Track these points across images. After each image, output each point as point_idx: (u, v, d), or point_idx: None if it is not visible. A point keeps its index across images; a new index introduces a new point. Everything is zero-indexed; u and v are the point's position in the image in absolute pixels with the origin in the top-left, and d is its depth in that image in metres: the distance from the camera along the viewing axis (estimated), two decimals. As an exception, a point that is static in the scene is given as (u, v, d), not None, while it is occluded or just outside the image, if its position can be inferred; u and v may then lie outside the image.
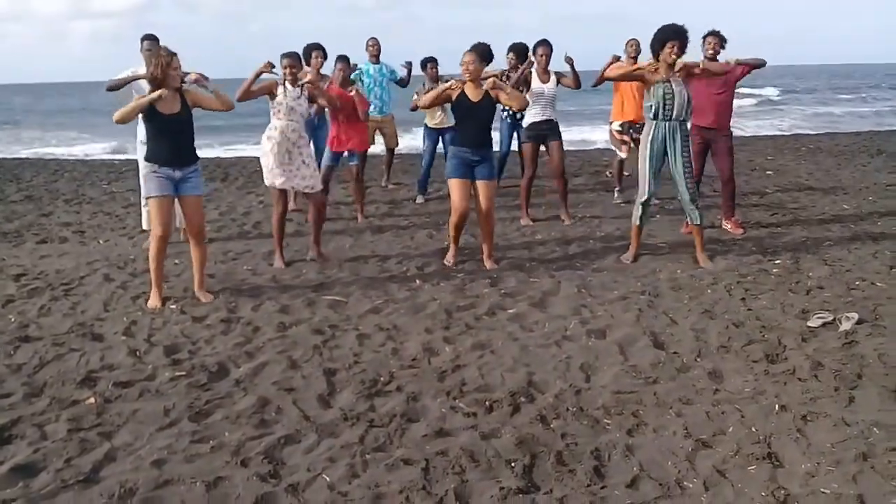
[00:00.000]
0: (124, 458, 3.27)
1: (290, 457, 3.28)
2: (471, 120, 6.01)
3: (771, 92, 41.20)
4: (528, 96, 7.42)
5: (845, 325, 4.63)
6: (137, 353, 4.47)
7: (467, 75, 5.94)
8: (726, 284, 5.60)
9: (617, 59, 7.63)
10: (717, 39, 6.91)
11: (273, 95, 6.10)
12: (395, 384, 4.00)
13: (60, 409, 3.73)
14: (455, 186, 6.08)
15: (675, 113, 5.92)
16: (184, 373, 4.16)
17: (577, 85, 7.72)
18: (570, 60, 7.56)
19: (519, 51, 8.24)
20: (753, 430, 3.42)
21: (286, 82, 6.16)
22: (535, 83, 7.57)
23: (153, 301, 5.32)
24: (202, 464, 3.22)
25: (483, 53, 6.04)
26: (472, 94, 5.96)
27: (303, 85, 6.22)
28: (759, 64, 6.98)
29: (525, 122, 7.81)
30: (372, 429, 3.51)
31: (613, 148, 9.04)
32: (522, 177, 8.04)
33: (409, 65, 9.37)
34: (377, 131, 9.52)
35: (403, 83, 9.50)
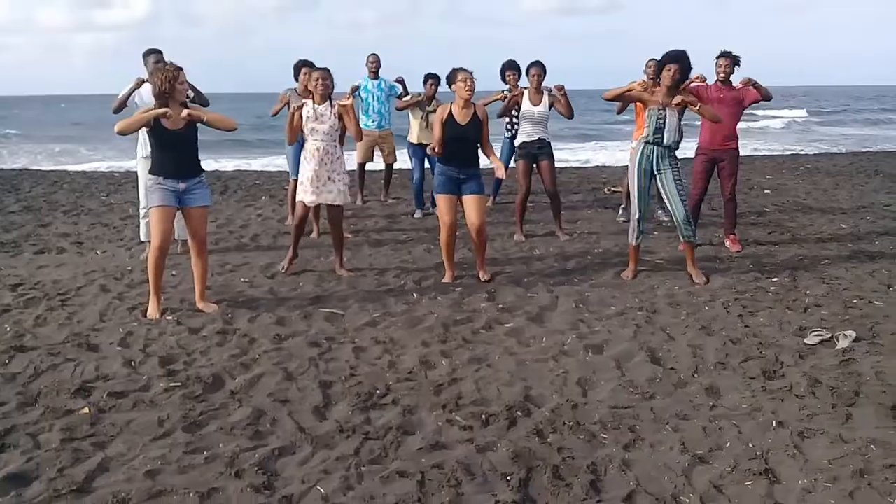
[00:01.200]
0: (118, 469, 3.24)
1: (285, 468, 3.26)
2: (458, 141, 5.99)
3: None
4: (520, 117, 7.56)
5: (843, 343, 4.63)
6: (132, 363, 4.45)
7: (468, 94, 5.94)
8: (724, 301, 5.60)
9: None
10: (728, 61, 7.00)
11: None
12: (391, 397, 3.99)
13: (54, 418, 3.70)
14: (441, 201, 6.10)
15: (664, 139, 5.99)
16: (179, 384, 4.14)
17: (570, 114, 7.76)
18: (560, 88, 7.56)
19: (517, 68, 8.37)
20: (750, 445, 3.40)
21: (312, 99, 6.16)
22: (526, 104, 7.64)
23: (152, 311, 5.30)
24: (196, 475, 3.20)
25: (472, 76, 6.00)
26: (460, 115, 5.99)
27: (332, 102, 6.20)
28: (768, 96, 7.04)
29: (517, 142, 7.88)
30: (367, 441, 3.49)
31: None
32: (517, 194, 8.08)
33: (401, 80, 9.46)
34: (376, 146, 9.56)
35: (401, 95, 9.56)
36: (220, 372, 4.31)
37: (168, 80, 5.02)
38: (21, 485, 3.11)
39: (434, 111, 8.14)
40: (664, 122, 5.95)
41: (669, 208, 6.16)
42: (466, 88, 5.93)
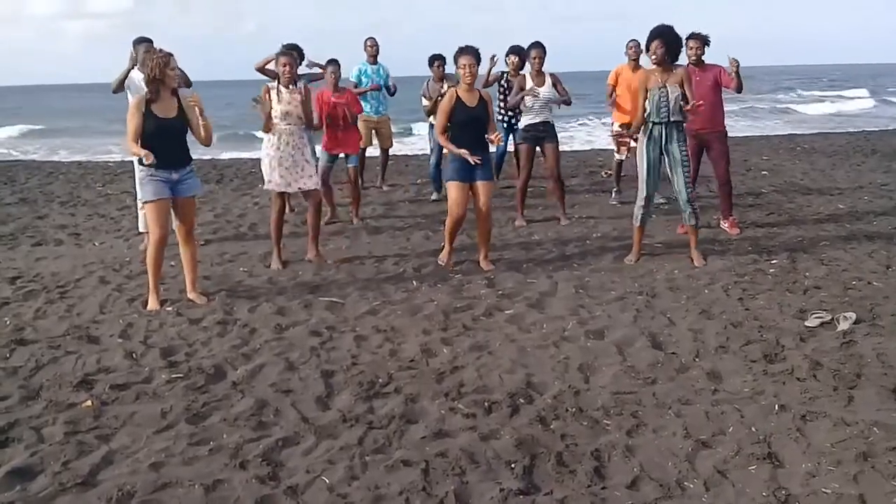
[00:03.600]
0: (122, 461, 3.25)
1: (289, 459, 3.27)
2: (469, 123, 5.97)
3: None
4: (524, 99, 7.48)
5: (843, 325, 4.64)
6: (134, 355, 4.44)
7: (469, 78, 5.91)
8: (724, 284, 5.60)
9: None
10: (698, 42, 6.94)
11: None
12: (394, 386, 3.99)
13: (57, 412, 3.71)
14: (454, 189, 6.05)
15: (670, 115, 5.95)
16: (181, 375, 4.14)
17: (568, 103, 7.87)
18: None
19: (518, 52, 8.34)
20: (753, 430, 3.41)
21: (279, 85, 6.13)
22: (529, 86, 7.56)
23: (152, 303, 5.30)
24: (200, 466, 3.20)
25: (477, 55, 6.00)
26: (468, 98, 5.97)
27: (299, 85, 6.19)
28: (740, 88, 6.90)
29: (521, 124, 7.81)
30: (371, 430, 3.50)
31: (614, 149, 9.06)
32: (518, 178, 8.05)
33: (394, 86, 9.49)
34: (373, 132, 9.50)
35: (391, 92, 9.52)
36: (221, 363, 4.31)
37: (159, 66, 4.98)
38: (26, 479, 3.11)
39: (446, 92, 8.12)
40: (666, 99, 5.92)
41: (675, 189, 6.15)
42: (467, 76, 5.91)
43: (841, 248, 6.57)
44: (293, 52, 6.34)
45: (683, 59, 6.57)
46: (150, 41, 6.57)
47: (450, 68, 8.47)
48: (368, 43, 9.36)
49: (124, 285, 5.85)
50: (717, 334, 4.61)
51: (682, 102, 5.95)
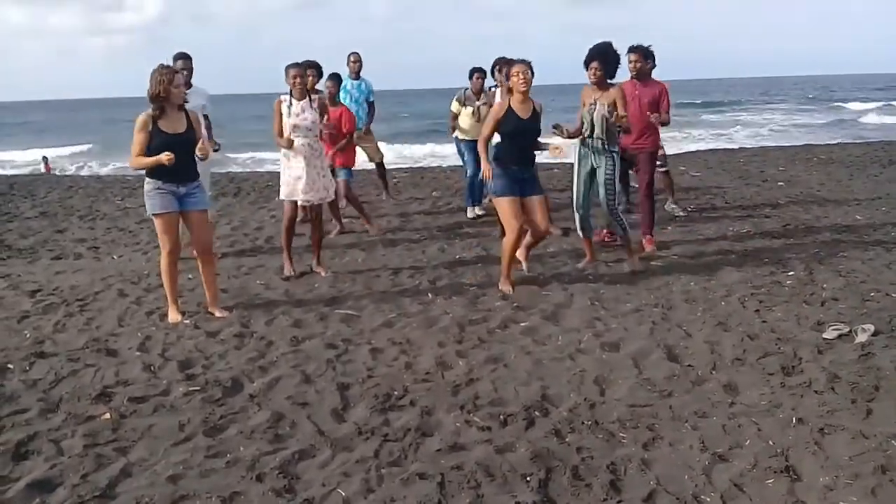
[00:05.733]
0: (140, 474, 3.28)
1: (305, 471, 3.28)
2: (520, 137, 5.75)
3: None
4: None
5: (861, 337, 4.60)
6: (152, 368, 4.49)
7: (524, 86, 5.67)
8: (740, 296, 5.57)
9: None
10: (638, 55, 6.82)
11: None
12: (409, 398, 4.00)
13: (76, 424, 3.74)
14: (507, 205, 5.78)
15: (595, 132, 6.09)
16: (198, 388, 4.17)
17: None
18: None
19: (510, 63, 8.40)
20: (770, 443, 3.39)
21: (291, 97, 6.19)
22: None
23: (172, 316, 5.35)
24: (217, 479, 3.22)
25: (531, 67, 5.77)
26: (521, 109, 5.73)
27: (311, 98, 6.25)
28: (666, 123, 6.90)
29: None
30: (386, 443, 3.51)
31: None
32: None
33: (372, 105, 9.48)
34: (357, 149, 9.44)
35: (369, 111, 9.48)
36: (238, 375, 4.34)
37: (162, 83, 5.00)
38: (45, 491, 3.14)
39: (485, 104, 8.15)
40: (592, 117, 6.07)
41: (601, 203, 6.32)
42: (521, 82, 5.67)
43: (858, 260, 6.53)
44: (302, 65, 6.39)
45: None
46: (187, 57, 6.64)
47: (487, 81, 8.54)
48: (352, 58, 9.30)
49: (143, 298, 5.90)
50: (734, 346, 4.59)
51: (608, 118, 6.00)
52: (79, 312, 5.57)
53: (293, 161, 6.23)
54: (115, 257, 7.47)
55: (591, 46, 6.12)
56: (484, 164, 5.77)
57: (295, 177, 6.24)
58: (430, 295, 5.86)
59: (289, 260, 6.49)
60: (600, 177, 6.16)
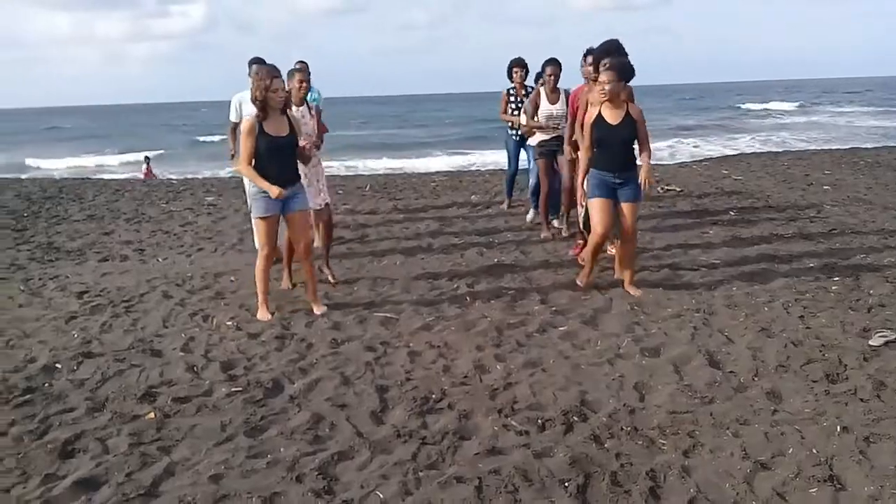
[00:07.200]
0: (183, 473, 3.34)
1: (344, 473, 3.31)
2: (611, 142, 5.62)
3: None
4: (539, 118, 7.69)
5: (909, 345, 4.50)
6: (195, 368, 4.56)
7: (604, 96, 5.53)
8: (784, 302, 5.48)
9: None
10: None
11: None
12: (447, 401, 4.01)
13: (122, 423, 3.83)
14: (598, 207, 5.73)
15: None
16: (240, 388, 4.23)
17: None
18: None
19: (524, 65, 8.66)
20: (814, 451, 3.33)
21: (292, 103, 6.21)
22: (544, 104, 7.69)
23: (262, 314, 5.50)
24: (258, 479, 3.27)
25: (623, 70, 5.53)
26: (611, 115, 5.60)
27: (309, 105, 6.28)
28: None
29: (535, 141, 7.94)
30: (424, 446, 3.52)
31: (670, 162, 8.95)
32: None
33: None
34: None
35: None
36: (279, 377, 4.40)
37: (260, 88, 5.15)
38: (91, 489, 3.22)
39: (525, 97, 8.26)
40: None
41: None
42: (602, 91, 5.53)
43: (907, 265, 6.38)
44: (304, 67, 6.43)
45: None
46: (261, 61, 6.76)
47: (529, 79, 8.59)
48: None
49: (186, 300, 6.01)
50: (777, 353, 4.52)
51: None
52: (125, 313, 5.69)
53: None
54: (159, 259, 7.61)
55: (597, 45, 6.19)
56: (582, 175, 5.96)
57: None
58: (468, 298, 5.87)
59: (287, 271, 6.41)
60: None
